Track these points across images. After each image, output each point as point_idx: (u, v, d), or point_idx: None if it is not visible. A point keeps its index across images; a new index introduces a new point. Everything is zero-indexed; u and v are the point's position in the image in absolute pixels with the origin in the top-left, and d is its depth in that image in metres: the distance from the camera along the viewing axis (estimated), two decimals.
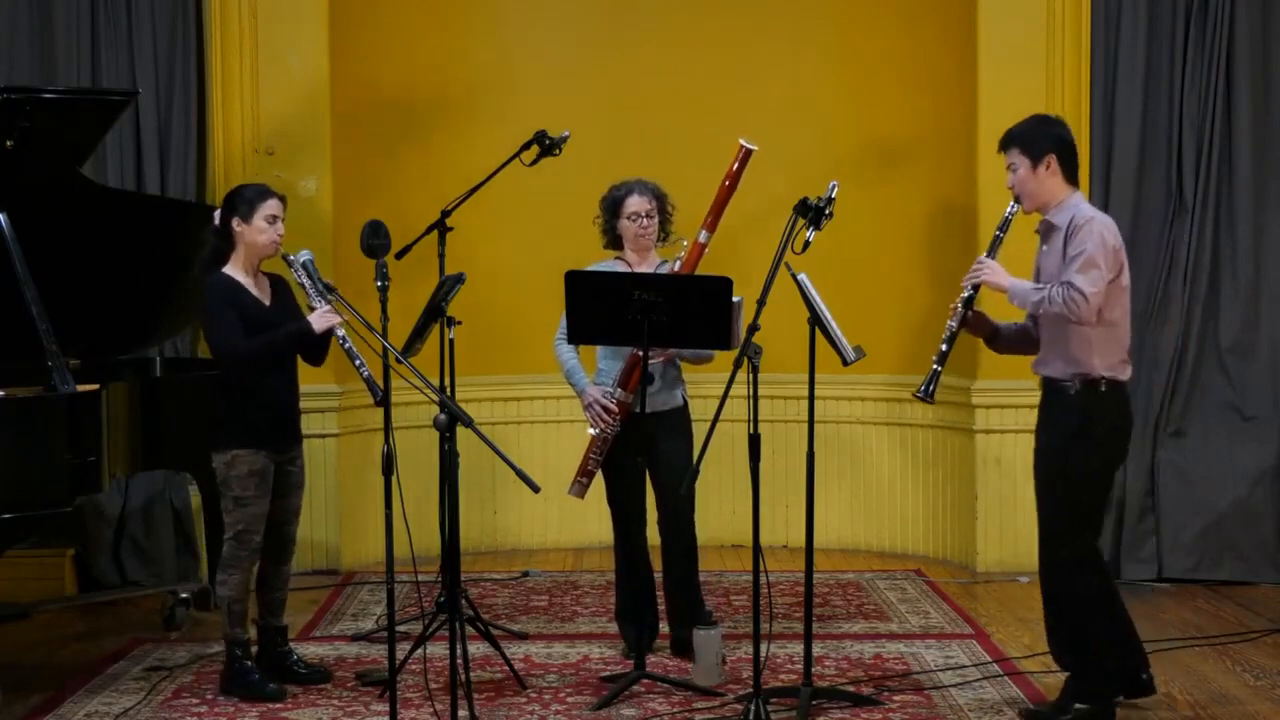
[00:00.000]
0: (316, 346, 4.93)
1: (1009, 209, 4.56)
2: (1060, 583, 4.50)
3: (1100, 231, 4.39)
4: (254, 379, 4.83)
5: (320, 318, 4.78)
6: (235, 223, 4.85)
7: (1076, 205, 4.50)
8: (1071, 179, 4.54)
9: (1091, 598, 4.47)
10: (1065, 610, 4.51)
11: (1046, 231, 4.54)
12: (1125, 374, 4.49)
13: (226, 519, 4.89)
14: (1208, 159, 6.39)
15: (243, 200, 4.86)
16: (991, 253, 4.57)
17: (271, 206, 4.86)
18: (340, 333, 4.77)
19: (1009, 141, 4.55)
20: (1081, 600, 4.47)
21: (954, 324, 4.56)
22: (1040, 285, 4.44)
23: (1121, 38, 6.44)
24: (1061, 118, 4.67)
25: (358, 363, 4.67)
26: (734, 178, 5.26)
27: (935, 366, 4.53)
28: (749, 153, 5.24)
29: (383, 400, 4.37)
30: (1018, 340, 4.71)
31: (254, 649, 5.00)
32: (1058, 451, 4.46)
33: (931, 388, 4.53)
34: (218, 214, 4.93)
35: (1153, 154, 6.47)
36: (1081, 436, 4.43)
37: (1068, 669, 4.60)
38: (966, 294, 4.57)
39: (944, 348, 4.55)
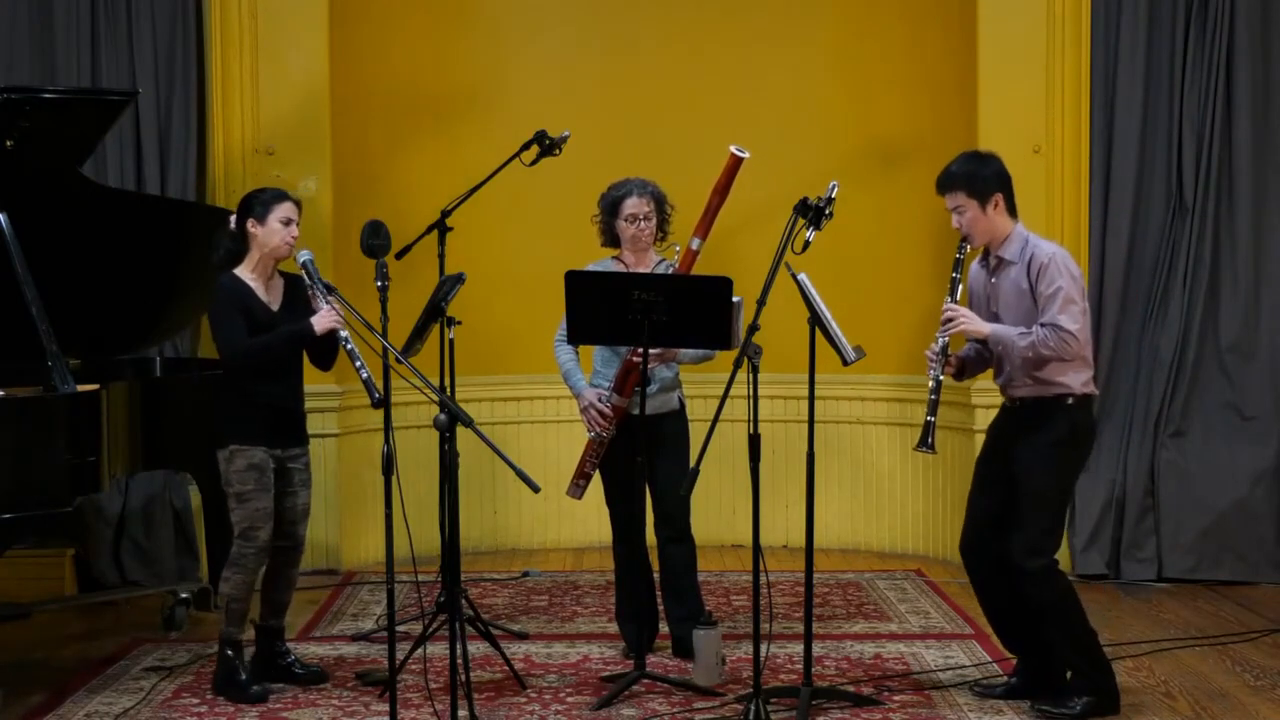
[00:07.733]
0: (323, 349, 4.91)
1: (959, 250, 4.62)
2: (1043, 588, 4.56)
3: (1063, 265, 4.51)
4: (253, 381, 4.83)
5: (322, 319, 4.77)
6: (250, 224, 4.86)
7: (1025, 238, 4.60)
8: (1014, 212, 4.64)
9: (1070, 594, 4.60)
10: (1049, 613, 4.58)
11: (997, 266, 4.63)
12: (1094, 389, 4.65)
13: (232, 518, 4.88)
14: (1208, 159, 6.39)
15: (259, 202, 4.87)
16: (953, 296, 4.62)
17: (286, 209, 4.87)
18: (344, 334, 4.74)
19: (951, 184, 4.60)
20: (1067, 598, 4.58)
21: (937, 372, 4.58)
22: (1024, 330, 4.50)
23: (1121, 38, 6.44)
24: (993, 152, 4.68)
25: (358, 364, 4.64)
26: (724, 186, 5.19)
27: (929, 418, 4.55)
28: (739, 161, 5.16)
29: (381, 402, 4.35)
30: (977, 365, 4.82)
31: (248, 649, 4.99)
32: (1042, 465, 4.54)
33: (930, 439, 4.55)
34: (233, 218, 4.94)
35: (1153, 154, 6.47)
36: (1067, 448, 4.56)
37: (1019, 652, 4.79)
38: (943, 342, 4.60)
39: (932, 397, 4.57)
